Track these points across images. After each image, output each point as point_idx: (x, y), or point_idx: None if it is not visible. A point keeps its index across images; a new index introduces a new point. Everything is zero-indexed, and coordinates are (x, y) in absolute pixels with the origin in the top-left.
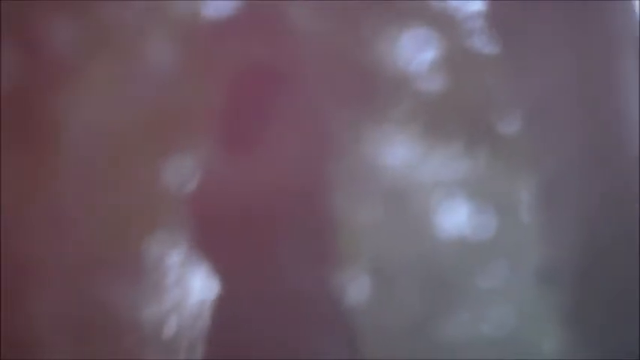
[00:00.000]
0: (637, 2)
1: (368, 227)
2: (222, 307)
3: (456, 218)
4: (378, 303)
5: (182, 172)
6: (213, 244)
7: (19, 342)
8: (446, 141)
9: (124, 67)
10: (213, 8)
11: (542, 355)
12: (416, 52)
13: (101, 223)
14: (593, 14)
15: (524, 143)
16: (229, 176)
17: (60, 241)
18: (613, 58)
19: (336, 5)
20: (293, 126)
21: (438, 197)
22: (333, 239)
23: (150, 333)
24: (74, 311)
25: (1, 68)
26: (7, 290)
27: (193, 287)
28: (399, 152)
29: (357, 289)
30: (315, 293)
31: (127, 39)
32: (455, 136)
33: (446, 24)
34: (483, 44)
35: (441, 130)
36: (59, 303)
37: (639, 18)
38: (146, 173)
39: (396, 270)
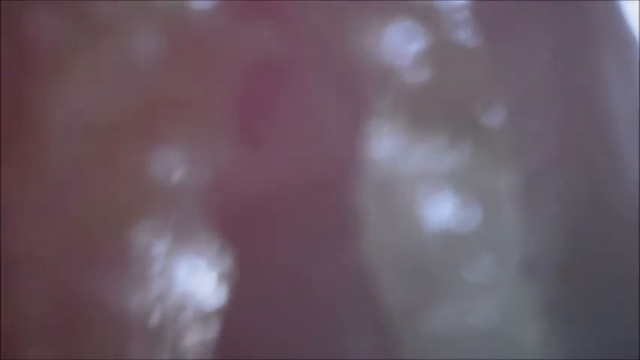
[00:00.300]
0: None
1: None
2: (241, 296)
3: (441, 211)
4: None
5: (168, 163)
6: (232, 236)
7: (6, 331)
8: (431, 133)
9: (111, 59)
10: (198, 1)
11: (526, 347)
12: (401, 45)
13: (87, 213)
14: (576, 10)
15: (508, 136)
16: (244, 170)
17: (48, 232)
18: (595, 54)
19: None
20: (299, 120)
21: (423, 190)
22: (351, 230)
23: (135, 323)
24: (60, 300)
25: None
26: None
27: (178, 277)
28: (384, 144)
29: None
30: (334, 282)
31: (113, 31)
32: (440, 128)
33: (431, 17)
34: (468, 37)
35: (425, 123)
36: (44, 293)
37: (623, 16)
38: (132, 164)
39: (381, 262)
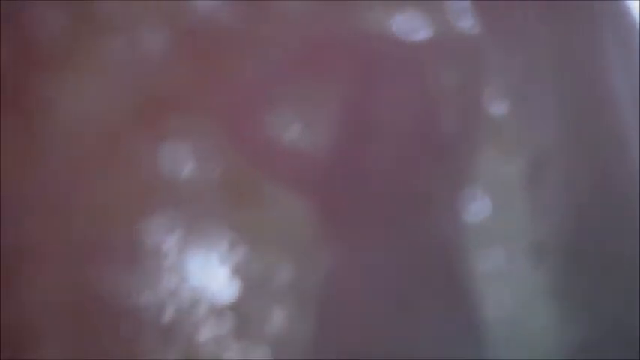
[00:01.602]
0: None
1: None
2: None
3: None
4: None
5: (177, 157)
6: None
7: (14, 328)
8: None
9: (119, 54)
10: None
11: (539, 333)
12: (407, 35)
13: (97, 208)
14: None
15: (512, 124)
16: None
17: (56, 227)
18: (597, 40)
19: None
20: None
21: None
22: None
23: (147, 319)
24: (70, 298)
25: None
26: (2, 276)
27: (190, 272)
28: None
29: None
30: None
31: (120, 24)
32: None
33: (434, 7)
34: (471, 26)
35: None
36: (55, 289)
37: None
38: (141, 158)
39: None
